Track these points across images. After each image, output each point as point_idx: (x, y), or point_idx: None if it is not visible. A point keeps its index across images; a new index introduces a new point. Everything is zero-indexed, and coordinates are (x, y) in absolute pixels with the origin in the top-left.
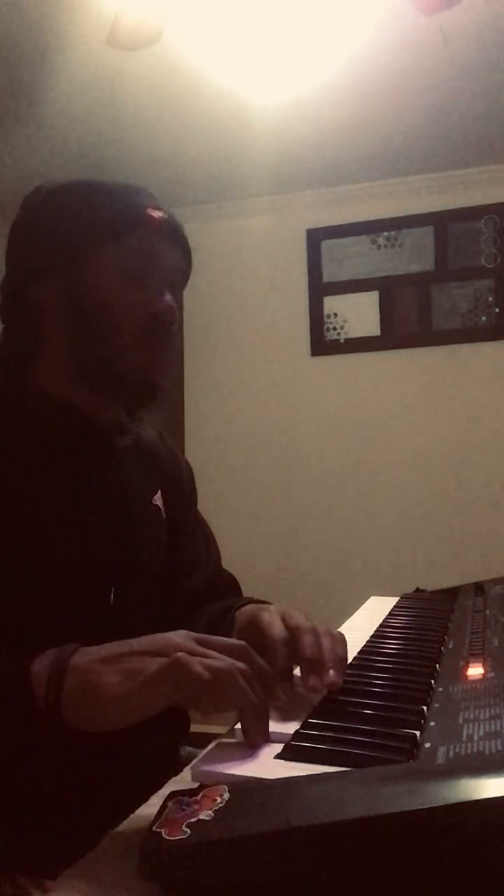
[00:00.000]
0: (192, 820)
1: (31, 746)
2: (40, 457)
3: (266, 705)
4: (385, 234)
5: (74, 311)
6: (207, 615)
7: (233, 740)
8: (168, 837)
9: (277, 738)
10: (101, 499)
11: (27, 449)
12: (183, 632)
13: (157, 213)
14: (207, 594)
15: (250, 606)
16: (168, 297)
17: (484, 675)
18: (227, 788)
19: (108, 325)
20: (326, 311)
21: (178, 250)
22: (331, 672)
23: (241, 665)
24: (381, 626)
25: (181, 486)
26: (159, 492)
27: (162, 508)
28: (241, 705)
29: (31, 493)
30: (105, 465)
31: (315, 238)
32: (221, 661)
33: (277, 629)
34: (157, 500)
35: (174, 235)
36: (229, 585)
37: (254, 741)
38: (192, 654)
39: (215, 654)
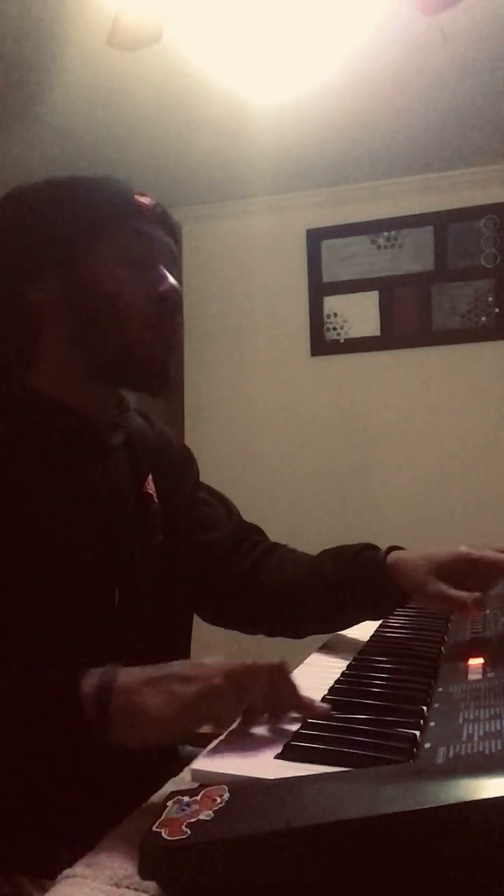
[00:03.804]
0: (192, 820)
1: (73, 761)
2: (38, 460)
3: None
4: (385, 234)
5: (78, 308)
6: (329, 562)
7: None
8: (168, 837)
9: (277, 739)
10: (98, 500)
11: (25, 453)
12: (218, 658)
13: (144, 199)
14: (235, 543)
15: (408, 551)
16: (170, 277)
17: (484, 675)
18: (227, 788)
19: (119, 314)
20: (326, 311)
21: (167, 232)
22: None
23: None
24: (381, 625)
25: (172, 462)
26: (150, 476)
27: (154, 494)
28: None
29: (29, 497)
30: (101, 466)
31: (315, 238)
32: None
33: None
34: (149, 485)
35: (163, 218)
36: (256, 531)
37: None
38: (228, 676)
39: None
